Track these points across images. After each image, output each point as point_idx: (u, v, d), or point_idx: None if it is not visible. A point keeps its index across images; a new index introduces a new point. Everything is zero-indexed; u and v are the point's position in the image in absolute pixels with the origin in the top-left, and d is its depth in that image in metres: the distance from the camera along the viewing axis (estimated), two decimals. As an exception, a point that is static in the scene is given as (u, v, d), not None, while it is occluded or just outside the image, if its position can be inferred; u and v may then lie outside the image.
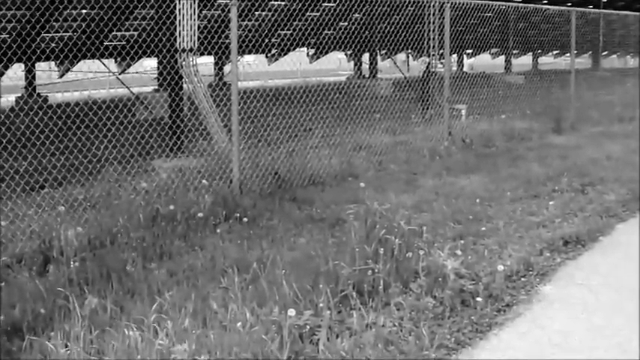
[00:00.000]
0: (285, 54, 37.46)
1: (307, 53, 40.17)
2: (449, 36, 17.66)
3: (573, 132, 19.94)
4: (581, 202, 12.42)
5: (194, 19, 15.93)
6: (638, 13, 32.22)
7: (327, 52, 40.07)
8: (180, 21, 15.76)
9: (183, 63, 16.22)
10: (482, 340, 7.23)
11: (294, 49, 37.28)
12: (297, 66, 42.58)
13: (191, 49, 16.06)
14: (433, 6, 20.11)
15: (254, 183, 12.57)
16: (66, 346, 6.54)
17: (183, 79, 16.54)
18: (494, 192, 12.85)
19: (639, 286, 8.47)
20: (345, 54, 41.51)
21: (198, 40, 16.32)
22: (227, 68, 32.61)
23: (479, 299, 7.85)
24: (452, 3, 18.43)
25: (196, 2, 16.04)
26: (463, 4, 19.46)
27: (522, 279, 8.79)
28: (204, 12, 18.95)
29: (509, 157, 16.21)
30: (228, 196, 11.74)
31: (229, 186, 12.21)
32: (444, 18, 17.84)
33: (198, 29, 16.42)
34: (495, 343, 7.20)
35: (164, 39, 15.56)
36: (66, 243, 9.27)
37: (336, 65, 47.42)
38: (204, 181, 12.14)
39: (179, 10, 15.61)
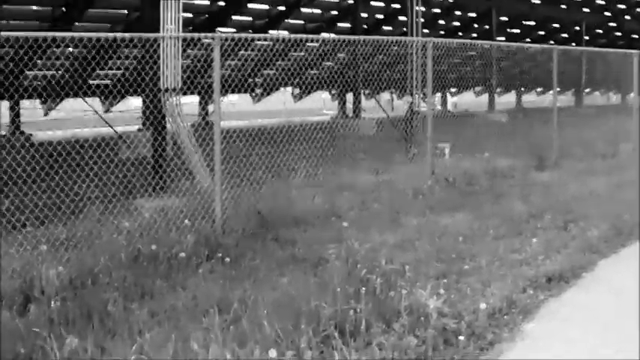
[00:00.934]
0: (269, 93, 37.61)
1: (292, 93, 40.27)
2: (431, 75, 17.69)
3: (556, 169, 19.95)
4: (564, 239, 12.38)
5: (178, 59, 15.96)
6: (620, 50, 32.43)
7: (311, 92, 40.22)
8: (164, 60, 15.78)
9: (167, 102, 16.22)
10: (465, 379, 7.22)
11: (278, 88, 37.39)
12: (281, 105, 42.68)
13: (174, 89, 16.08)
14: (416, 45, 20.21)
15: (237, 223, 12.52)
16: None
17: (167, 119, 16.53)
18: (477, 230, 12.82)
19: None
20: (330, 93, 41.64)
21: (182, 80, 16.34)
22: (211, 108, 32.67)
23: (461, 338, 7.83)
24: (434, 42, 18.49)
25: (180, 42, 16.08)
26: (446, 43, 19.53)
27: (505, 317, 8.76)
28: (188, 51, 18.99)
29: (492, 195, 16.18)
30: (211, 236, 11.71)
31: (212, 226, 12.18)
32: (426, 57, 17.87)
33: (182, 68, 16.44)
34: (478, 381, 7.20)
35: (147, 78, 15.57)
36: (47, 282, 9.23)
37: (321, 104, 47.57)
38: (186, 220, 12.09)
39: (163, 49, 15.65)
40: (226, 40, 13.85)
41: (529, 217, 13.95)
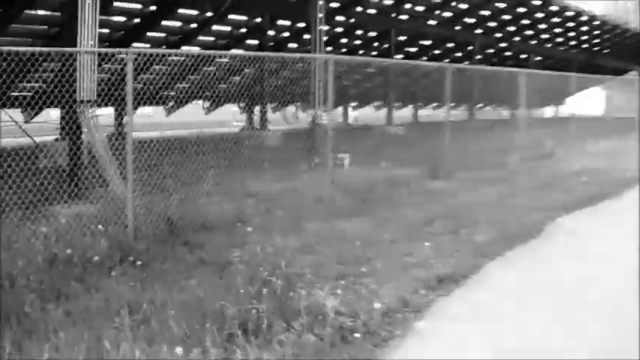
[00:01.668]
0: (182, 106, 37.37)
1: (203, 105, 40.10)
2: (332, 90, 17.73)
3: (448, 178, 20.17)
4: (455, 244, 12.51)
5: (94, 72, 15.82)
6: (509, 69, 32.95)
7: (221, 105, 40.09)
8: (80, 73, 15.63)
9: (83, 114, 16.06)
10: (360, 373, 7.28)
11: (190, 101, 37.19)
12: (194, 117, 42.47)
13: (89, 101, 15.93)
14: (318, 62, 20.28)
15: (148, 228, 12.43)
16: None
17: (83, 129, 16.37)
18: (374, 235, 12.85)
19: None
20: (239, 106, 41.52)
21: (97, 92, 16.19)
22: (126, 119, 32.40)
23: (357, 335, 7.89)
24: (335, 59, 18.60)
25: (95, 56, 15.93)
26: (347, 61, 19.68)
27: (398, 315, 8.83)
28: (104, 65, 18.83)
29: (388, 203, 16.27)
30: (123, 241, 11.60)
31: (124, 231, 12.07)
32: (328, 73, 17.94)
33: (98, 82, 16.30)
34: (372, 376, 7.26)
35: (63, 90, 15.42)
36: (-34, 284, 9.09)
37: (231, 117, 47.46)
38: (100, 226, 12.00)
39: (80, 63, 15.50)
40: (139, 55, 13.79)
41: (423, 223, 14.06)
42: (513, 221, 14.51)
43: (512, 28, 46.70)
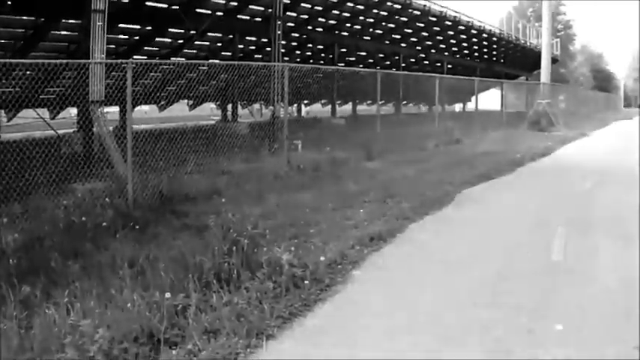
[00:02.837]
0: (171, 104, 37.03)
1: (187, 103, 39.82)
2: (287, 91, 17.72)
3: (380, 159, 20.17)
4: (384, 210, 12.53)
5: (102, 79, 15.70)
6: (427, 74, 33.05)
7: (202, 103, 39.87)
8: (92, 79, 15.51)
9: (94, 111, 15.94)
10: (310, 312, 7.31)
11: (177, 100, 36.89)
12: (180, 113, 42.13)
13: (99, 101, 15.80)
14: (277, 69, 20.21)
15: (144, 200, 12.34)
16: (3, 324, 6.55)
17: (94, 123, 16.29)
18: (320, 204, 12.83)
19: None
20: (215, 104, 41.20)
21: (105, 94, 16.09)
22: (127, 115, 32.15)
23: (307, 282, 7.91)
24: (290, 67, 18.54)
25: (104, 66, 15.78)
26: (300, 68, 19.61)
27: (339, 266, 8.88)
28: (111, 73, 18.65)
29: (332, 178, 16.26)
30: (125, 210, 11.54)
31: (126, 202, 12.03)
32: (284, 78, 17.89)
33: (107, 86, 16.19)
34: (320, 313, 7.29)
35: (79, 93, 15.36)
36: (6, 245, 9.17)
37: (209, 112, 47.16)
38: (107, 199, 11.94)
39: (91, 71, 15.37)
40: (138, 64, 13.76)
41: (359, 194, 14.07)
42: (430, 192, 14.56)
43: (429, 42, 46.78)
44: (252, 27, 30.70)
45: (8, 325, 6.51)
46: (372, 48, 42.32)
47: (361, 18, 37.37)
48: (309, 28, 35.24)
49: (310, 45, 38.39)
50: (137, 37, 28.27)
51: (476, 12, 69.60)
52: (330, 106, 42.53)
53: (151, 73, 28.14)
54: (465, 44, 50.94)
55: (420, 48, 46.84)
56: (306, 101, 46.20)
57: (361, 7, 35.12)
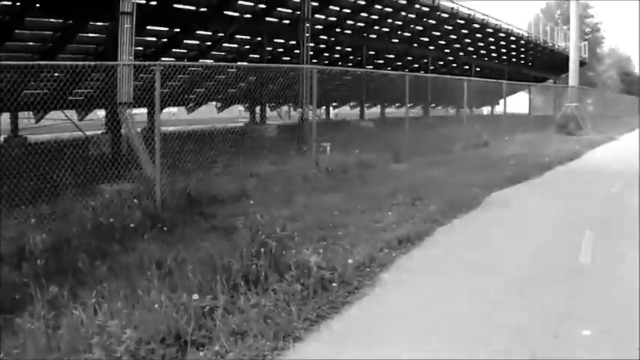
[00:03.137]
0: (199, 106, 37.16)
1: (216, 105, 39.90)
2: (316, 93, 17.73)
3: (408, 161, 20.11)
4: (412, 212, 12.47)
5: (130, 81, 15.73)
6: (455, 77, 32.88)
7: (230, 105, 39.93)
8: (120, 81, 15.55)
9: (122, 113, 15.99)
10: (337, 314, 7.27)
11: (206, 102, 36.99)
12: (208, 115, 42.23)
13: (127, 103, 15.83)
14: (306, 71, 20.18)
15: (172, 201, 12.37)
16: (31, 324, 6.52)
17: (122, 125, 16.34)
18: (349, 206, 12.78)
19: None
20: (244, 106, 41.29)
21: (133, 96, 16.13)
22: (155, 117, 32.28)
23: (335, 285, 7.89)
24: (319, 69, 18.52)
25: (132, 68, 15.82)
26: (328, 70, 19.58)
27: (367, 269, 8.83)
28: (139, 75, 18.71)
29: (360, 181, 16.24)
30: (153, 212, 11.57)
31: (154, 204, 12.05)
32: (313, 80, 17.88)
33: (135, 88, 16.23)
34: (347, 315, 7.24)
35: (107, 95, 15.41)
36: (34, 246, 9.16)
37: (238, 114, 47.25)
38: (135, 200, 11.95)
39: (119, 73, 15.42)
40: (166, 67, 13.79)
41: (387, 196, 14.00)
42: (458, 195, 14.45)
43: (457, 45, 46.59)
44: (280, 29, 30.75)
45: (36, 324, 6.50)
46: (401, 51, 42.16)
47: (389, 20, 37.27)
48: (337, 30, 35.21)
49: (338, 47, 38.35)
50: (165, 40, 28.36)
51: (504, 15, 69.32)
52: (358, 109, 42.49)
53: (179, 75, 28.24)
54: (493, 47, 50.65)
55: (448, 51, 46.65)
56: (334, 103, 46.20)
57: (389, 10, 35.02)
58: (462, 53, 48.58)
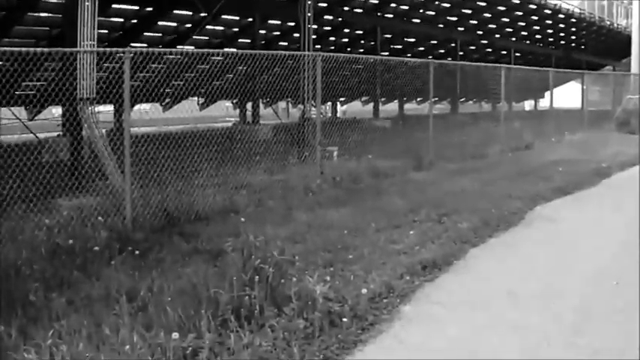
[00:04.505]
0: (177, 102, 37.30)
1: (198, 102, 40.00)
2: (320, 85, 17.79)
3: (431, 169, 20.15)
4: (438, 231, 12.48)
5: (93, 71, 15.79)
6: (490, 64, 32.89)
7: (215, 101, 40.03)
8: (80, 72, 15.61)
9: (83, 111, 16.04)
10: (348, 355, 7.26)
11: (185, 97, 37.15)
12: (189, 113, 42.36)
13: (89, 98, 15.90)
14: (307, 59, 20.23)
15: (145, 219, 12.46)
16: None
17: (83, 126, 16.37)
18: (360, 223, 12.82)
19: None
20: (232, 102, 41.40)
21: (97, 90, 16.18)
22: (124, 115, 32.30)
23: (345, 320, 7.87)
24: (323, 56, 18.57)
25: (95, 56, 15.89)
26: (335, 57, 19.59)
27: (384, 300, 8.83)
28: (103, 64, 18.76)
29: (374, 192, 16.26)
30: (122, 231, 11.66)
31: (123, 222, 12.12)
32: (316, 70, 17.94)
33: (98, 80, 16.29)
34: (360, 358, 7.24)
35: (64, 89, 15.43)
36: (-25, 274, 9.11)
37: (224, 112, 47.32)
38: (100, 217, 12.03)
39: (80, 62, 15.48)
40: (136, 54, 13.80)
41: (407, 211, 14.03)
42: (495, 209, 14.47)
43: (492, 26, 46.66)
44: (276, 8, 30.87)
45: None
46: (422, 33, 42.29)
47: (408, -4, 37.42)
48: (346, 9, 35.32)
49: (347, 30, 38.52)
50: (135, 21, 28.46)
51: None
52: (371, 105, 42.58)
53: (153, 65, 28.29)
54: (536, 27, 50.73)
55: (481, 32, 46.75)
56: (342, 99, 46.31)
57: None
58: (498, 35, 48.68)
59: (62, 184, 14.23)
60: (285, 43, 35.36)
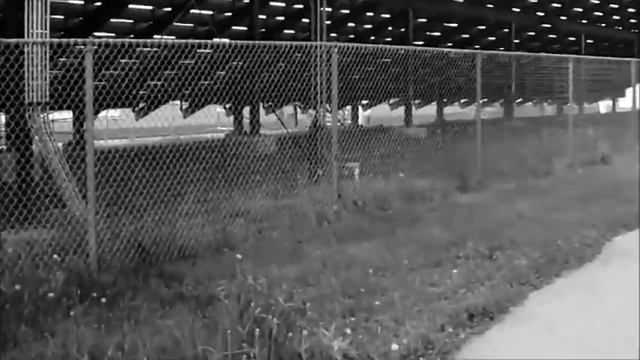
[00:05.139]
0: (155, 108, 37.39)
1: (181, 107, 40.12)
2: (337, 85, 17.79)
3: (480, 189, 20.15)
4: (489, 269, 12.47)
5: (46, 68, 15.80)
6: (554, 55, 32.89)
7: (203, 106, 40.09)
8: (29, 69, 15.62)
9: (33, 119, 16.05)
10: None
11: (165, 102, 37.26)
12: (169, 121, 42.50)
13: (40, 103, 15.91)
14: (320, 51, 20.24)
15: (114, 257, 12.48)
16: None
17: (33, 138, 16.38)
18: (390, 260, 12.84)
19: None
20: (224, 107, 41.55)
21: (50, 93, 16.18)
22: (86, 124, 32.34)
23: (371, 385, 7.89)
24: (340, 47, 18.57)
25: (47, 48, 15.89)
26: (355, 49, 19.58)
27: (421, 358, 8.83)
28: (58, 59, 18.82)
29: (407, 220, 16.28)
30: (84, 273, 11.66)
31: (85, 261, 12.12)
32: (331, 65, 17.95)
33: (52, 79, 16.28)
34: None
35: (8, 91, 15.43)
36: None
37: (215, 120, 47.45)
38: (55, 255, 12.02)
39: (28, 56, 15.49)
40: (101, 46, 13.76)
41: (449, 244, 14.04)
42: (562, 241, 14.45)
43: (556, 5, 46.68)
44: (279, -14, 31.02)
45: None
46: (467, 16, 42.36)
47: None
48: (368, -14, 35.47)
49: (370, 13, 38.59)
50: (99, 3, 28.56)
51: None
52: (402, 109, 42.63)
53: (123, 60, 28.42)
54: (613, 5, 50.64)
55: (542, 14, 46.76)
56: (365, 102, 46.40)
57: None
58: (564, 17, 48.66)
59: (6, 213, 14.23)
60: (292, 32, 35.55)
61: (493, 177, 21.47)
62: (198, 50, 28.47)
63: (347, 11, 36.62)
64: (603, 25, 52.51)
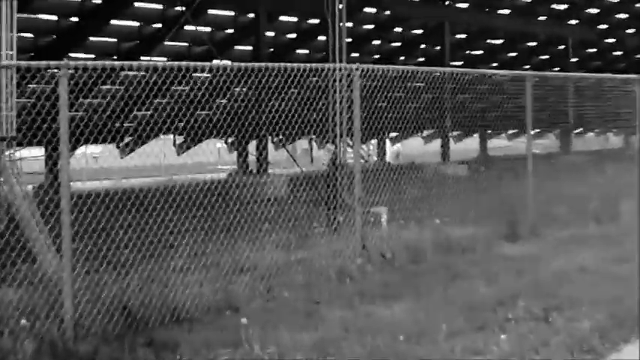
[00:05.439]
0: (143, 143, 37.53)
1: (174, 142, 40.26)
2: (359, 114, 17.79)
3: (532, 238, 20.12)
4: (544, 334, 12.43)
5: (12, 94, 15.86)
6: (619, 75, 32.92)
7: (200, 140, 40.20)
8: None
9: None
10: None
11: (156, 136, 37.40)
12: (161, 159, 42.64)
13: (4, 138, 15.97)
14: (339, 74, 20.27)
15: (95, 322, 12.48)
16: None
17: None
18: (424, 324, 12.78)
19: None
20: (225, 142, 41.72)
21: (18, 125, 16.24)
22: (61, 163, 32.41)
23: None
24: (364, 70, 18.56)
25: (14, 71, 15.90)
26: (380, 71, 19.60)
27: None
28: (27, 86, 18.93)
29: (445, 276, 16.24)
30: (58, 342, 11.67)
31: (60, 327, 12.11)
32: (353, 90, 17.97)
33: (20, 110, 16.35)
34: None
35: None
36: None
37: (215, 157, 47.56)
38: (23, 320, 12.03)
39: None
40: (78, 69, 13.80)
41: (496, 304, 14.02)
42: (630, 299, 14.42)
43: (621, 16, 46.76)
44: (290, -2, 31.18)
45: None
46: (515, 31, 42.47)
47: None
48: (397, -4, 35.60)
49: (399, 29, 38.71)
50: (76, 19, 28.66)
51: None
52: (438, 143, 42.71)
53: (105, 86, 28.62)
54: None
55: (605, 27, 46.82)
56: (393, 134, 46.52)
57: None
58: (631, 30, 48.70)
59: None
60: (306, 51, 35.69)
61: (548, 223, 21.45)
62: (194, 74, 28.54)
63: (371, 26, 36.78)
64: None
